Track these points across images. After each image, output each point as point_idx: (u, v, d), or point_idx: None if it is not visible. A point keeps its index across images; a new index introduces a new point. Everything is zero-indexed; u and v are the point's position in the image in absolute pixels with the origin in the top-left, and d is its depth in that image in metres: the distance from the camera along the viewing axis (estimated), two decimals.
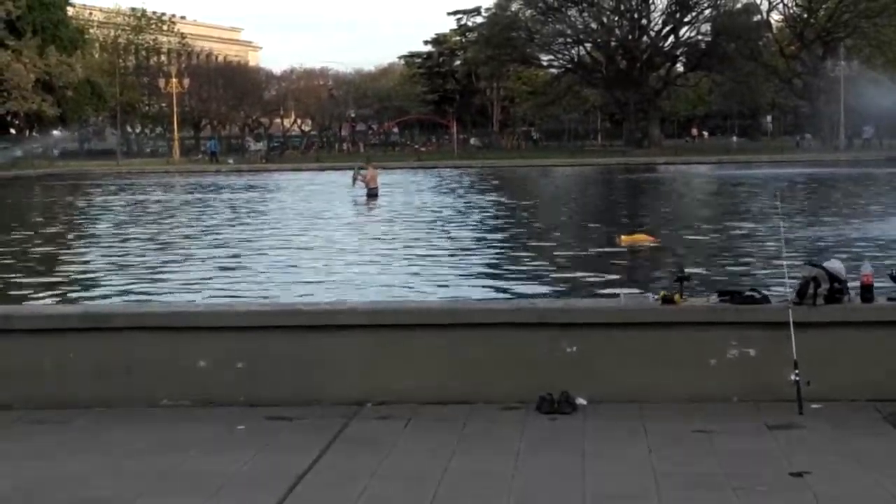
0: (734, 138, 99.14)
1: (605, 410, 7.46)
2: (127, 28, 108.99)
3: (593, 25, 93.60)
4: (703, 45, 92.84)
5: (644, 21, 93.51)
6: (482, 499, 5.85)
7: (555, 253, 21.16)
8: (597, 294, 14.40)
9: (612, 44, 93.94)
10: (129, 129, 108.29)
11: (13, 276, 18.75)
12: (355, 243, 23.39)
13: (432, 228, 26.94)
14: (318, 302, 10.79)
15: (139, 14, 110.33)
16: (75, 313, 8.89)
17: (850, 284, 7.90)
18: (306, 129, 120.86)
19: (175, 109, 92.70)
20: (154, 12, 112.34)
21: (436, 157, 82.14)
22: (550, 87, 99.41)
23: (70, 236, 27.66)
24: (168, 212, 36.07)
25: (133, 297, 15.56)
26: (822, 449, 6.61)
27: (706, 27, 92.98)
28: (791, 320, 7.52)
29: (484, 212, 32.91)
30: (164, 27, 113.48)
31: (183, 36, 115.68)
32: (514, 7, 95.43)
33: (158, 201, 42.02)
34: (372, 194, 37.71)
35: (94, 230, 29.50)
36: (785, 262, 8.65)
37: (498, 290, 16.02)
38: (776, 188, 38.15)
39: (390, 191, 41.82)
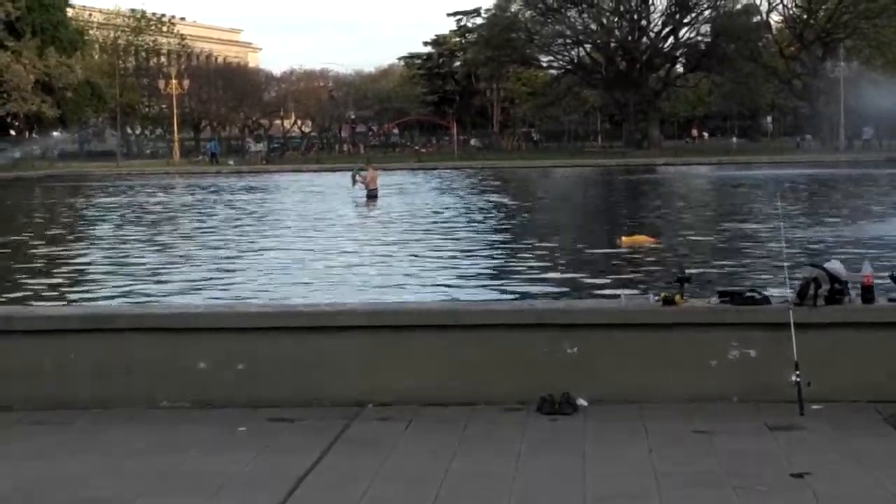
0: (734, 139, 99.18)
1: (605, 411, 7.46)
2: (127, 29, 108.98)
3: (593, 26, 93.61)
4: (702, 46, 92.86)
5: (644, 22, 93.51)
6: (483, 500, 5.85)
7: (555, 254, 21.17)
8: (597, 295, 14.40)
9: (612, 45, 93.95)
10: (128, 130, 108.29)
11: (13, 276, 18.75)
12: (355, 245, 23.39)
13: (432, 229, 26.94)
14: (318, 303, 10.78)
15: (139, 15, 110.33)
16: (76, 314, 8.90)
17: (850, 285, 7.90)
18: (306, 130, 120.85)
19: (175, 111, 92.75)
20: (154, 13, 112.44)
21: (436, 159, 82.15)
22: (550, 88, 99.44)
23: (70, 237, 27.65)
24: (168, 213, 36.08)
25: (133, 299, 15.56)
26: (823, 449, 6.61)
27: (706, 28, 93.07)
28: (792, 321, 7.52)
29: (484, 213, 32.92)
30: (164, 28, 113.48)
31: (183, 37, 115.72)
32: (513, 8, 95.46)
33: (159, 203, 42.02)
34: (372, 196, 37.72)
35: (94, 231, 29.50)
36: (785, 263, 8.64)
37: (498, 290, 16.02)
38: (776, 189, 38.16)
39: (390, 192, 41.83)
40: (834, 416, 7.27)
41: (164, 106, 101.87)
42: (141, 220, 32.55)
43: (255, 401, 7.83)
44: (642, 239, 22.14)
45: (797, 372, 7.34)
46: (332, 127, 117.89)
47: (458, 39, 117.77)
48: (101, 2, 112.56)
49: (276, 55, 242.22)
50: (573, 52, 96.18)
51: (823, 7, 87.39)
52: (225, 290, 16.54)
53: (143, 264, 20.29)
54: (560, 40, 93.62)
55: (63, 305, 14.46)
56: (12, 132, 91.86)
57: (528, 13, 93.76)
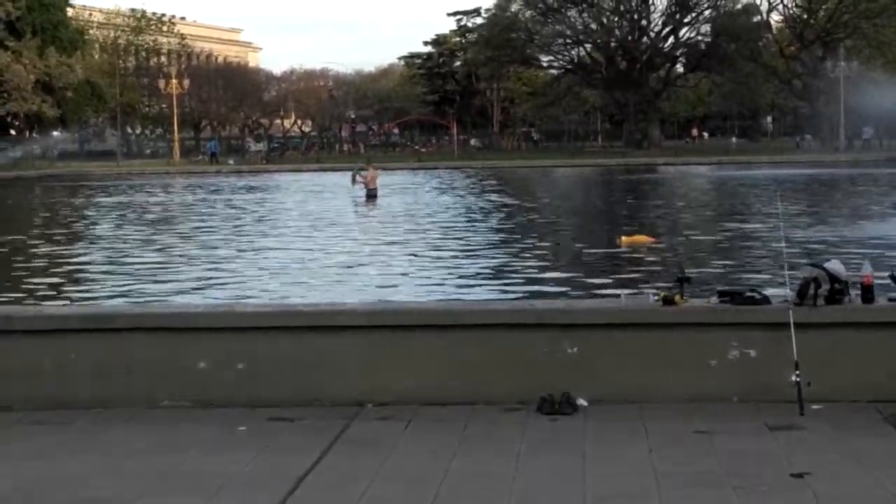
0: (733, 139, 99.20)
1: (605, 411, 7.46)
2: (127, 29, 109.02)
3: (593, 26, 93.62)
4: (702, 46, 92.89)
5: (644, 22, 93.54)
6: (483, 500, 5.85)
7: (555, 253, 21.17)
8: (597, 295, 14.40)
9: (612, 45, 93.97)
10: (129, 130, 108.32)
11: (13, 276, 18.75)
12: (354, 244, 23.39)
13: (432, 229, 26.94)
14: (318, 303, 10.78)
15: (139, 15, 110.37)
16: (76, 314, 8.90)
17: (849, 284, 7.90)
18: (306, 129, 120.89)
19: (175, 110, 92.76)
20: (154, 13, 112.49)
21: (436, 158, 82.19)
22: (550, 87, 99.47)
23: (70, 237, 27.65)
24: (168, 213, 36.09)
25: (133, 298, 15.55)
26: (823, 449, 6.61)
27: (706, 28, 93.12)
28: (791, 321, 7.51)
29: (484, 212, 32.92)
30: (164, 28, 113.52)
31: (183, 37, 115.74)
32: (513, 8, 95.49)
33: (158, 202, 42.02)
34: (371, 195, 37.73)
35: (94, 231, 29.51)
36: (785, 263, 8.64)
37: (498, 290, 16.02)
38: (776, 189, 38.15)
39: (390, 192, 41.84)
40: (834, 415, 7.27)
41: (164, 105, 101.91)
42: (141, 220, 32.56)
43: (254, 400, 7.83)
44: (642, 239, 22.14)
45: (797, 372, 7.34)
46: (332, 126, 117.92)
47: (458, 39, 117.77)
48: (102, 1, 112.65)
49: (276, 55, 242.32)
50: (573, 52, 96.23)
51: (824, 7, 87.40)
52: (224, 289, 16.53)
53: (143, 264, 20.28)
54: (560, 40, 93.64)
55: (63, 305, 14.46)
56: (12, 132, 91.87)
57: (528, 13, 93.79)
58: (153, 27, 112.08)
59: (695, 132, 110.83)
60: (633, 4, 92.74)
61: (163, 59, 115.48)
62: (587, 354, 7.82)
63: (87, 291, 16.99)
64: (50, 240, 26.24)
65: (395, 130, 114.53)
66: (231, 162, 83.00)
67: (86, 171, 73.58)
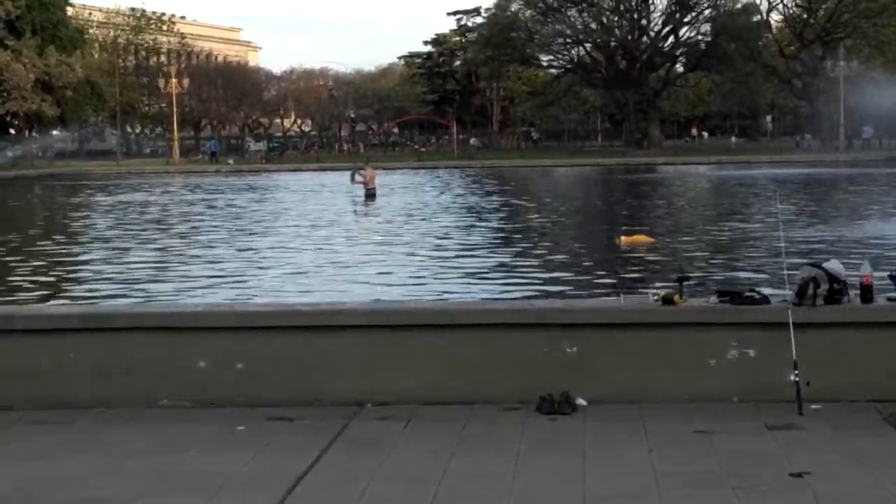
0: (733, 139, 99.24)
1: (605, 411, 7.46)
2: (126, 28, 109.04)
3: (593, 26, 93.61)
4: (702, 46, 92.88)
5: (644, 21, 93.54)
6: (483, 500, 5.85)
7: (554, 253, 21.17)
8: (597, 294, 14.40)
9: (612, 44, 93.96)
10: (128, 129, 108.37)
11: (13, 275, 18.75)
12: (353, 244, 23.40)
13: (431, 229, 26.94)
14: (317, 302, 10.78)
15: (139, 14, 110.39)
16: (75, 313, 8.90)
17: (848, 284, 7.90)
18: (306, 129, 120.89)
19: (175, 109, 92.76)
20: (154, 12, 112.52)
21: (436, 158, 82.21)
22: (550, 87, 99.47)
23: (69, 236, 27.65)
24: (167, 212, 36.08)
25: (133, 298, 15.55)
26: (822, 449, 6.61)
27: (706, 27, 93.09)
28: (791, 321, 7.52)
29: (484, 212, 32.92)
30: (164, 27, 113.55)
31: (182, 36, 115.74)
32: (513, 7, 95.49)
33: (158, 202, 42.02)
34: (370, 195, 37.76)
35: (94, 230, 29.49)
36: (784, 263, 8.65)
37: (498, 290, 16.02)
38: (775, 188, 38.15)
39: (390, 191, 41.84)
40: (833, 415, 7.27)
41: (163, 105, 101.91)
42: (140, 219, 32.56)
43: (254, 400, 7.83)
44: (642, 238, 22.14)
45: (796, 372, 7.35)
46: (331, 126, 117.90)
47: (458, 38, 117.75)
48: (101, 1, 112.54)
49: (276, 54, 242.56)
50: (573, 52, 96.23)
51: (823, 6, 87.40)
52: (224, 289, 16.54)
53: (143, 263, 20.29)
54: (560, 39, 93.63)
55: (63, 304, 14.46)
56: (12, 131, 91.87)
57: (528, 12, 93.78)
58: (153, 26, 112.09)
59: (694, 132, 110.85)
60: (633, 4, 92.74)
61: (162, 58, 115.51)
62: (587, 354, 7.82)
63: (86, 291, 16.98)
64: (49, 239, 26.23)
65: (395, 130, 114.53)
66: (231, 161, 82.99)
67: (85, 171, 73.59)
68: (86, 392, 7.92)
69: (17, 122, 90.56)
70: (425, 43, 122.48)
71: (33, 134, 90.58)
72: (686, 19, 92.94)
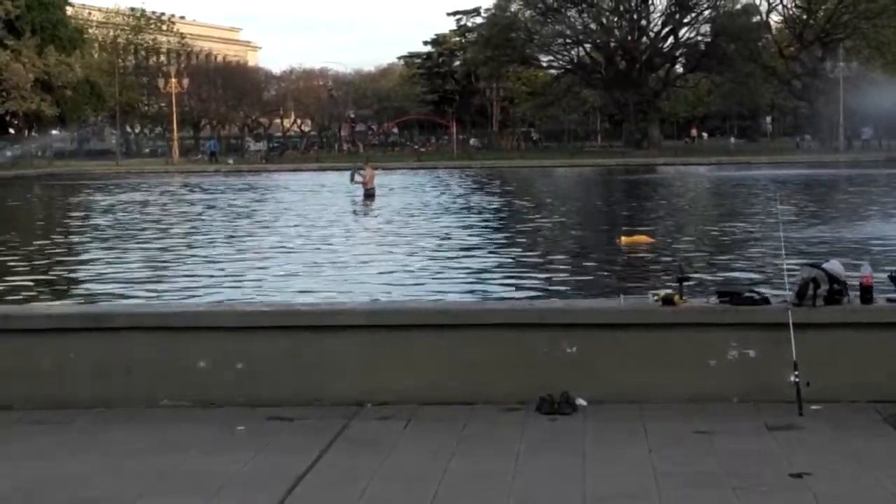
0: (733, 139, 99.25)
1: (605, 411, 7.46)
2: (126, 28, 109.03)
3: (593, 26, 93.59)
4: (702, 46, 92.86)
5: (643, 22, 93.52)
6: (482, 500, 5.85)
7: (555, 253, 21.17)
8: (597, 294, 14.40)
9: (612, 45, 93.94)
10: (128, 129, 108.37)
11: (13, 275, 18.74)
12: (353, 244, 23.40)
13: (430, 229, 26.94)
14: (317, 302, 10.79)
15: (138, 14, 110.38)
16: (75, 313, 8.90)
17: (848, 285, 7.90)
18: (306, 129, 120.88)
19: (174, 109, 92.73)
20: (153, 12, 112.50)
21: (435, 158, 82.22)
22: (550, 87, 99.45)
23: (69, 236, 27.64)
24: (167, 212, 36.08)
25: (133, 298, 15.55)
26: (823, 450, 6.61)
27: (705, 28, 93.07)
28: (791, 321, 7.52)
29: (483, 212, 32.92)
30: (164, 27, 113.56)
31: (182, 36, 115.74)
32: (513, 8, 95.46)
33: (158, 202, 42.02)
34: (369, 195, 37.78)
35: (94, 230, 29.48)
36: (784, 263, 8.65)
37: (498, 290, 16.02)
38: (775, 189, 38.16)
39: (390, 191, 41.84)
40: (833, 416, 7.27)
41: (163, 104, 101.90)
42: (140, 219, 32.55)
43: (254, 400, 7.83)
44: (642, 238, 22.15)
45: (796, 372, 7.35)
46: (331, 126, 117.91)
47: (457, 39, 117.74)
48: (101, 0, 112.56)
49: (275, 54, 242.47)
50: (573, 52, 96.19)
51: (823, 7, 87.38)
52: (224, 289, 16.53)
53: (143, 263, 20.29)
54: (560, 40, 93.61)
55: (62, 304, 14.45)
56: (11, 131, 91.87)
57: (527, 13, 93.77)
58: (152, 26, 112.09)
59: (694, 132, 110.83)
60: (633, 4, 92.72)
61: (162, 58, 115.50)
62: (587, 354, 7.82)
63: (86, 290, 16.98)
64: (48, 238, 26.23)
65: (395, 130, 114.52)
66: (230, 161, 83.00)
67: (85, 171, 73.59)
68: (86, 392, 7.92)
69: (16, 122, 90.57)
70: (425, 43, 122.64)
71: (32, 134, 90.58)
72: (686, 20, 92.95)
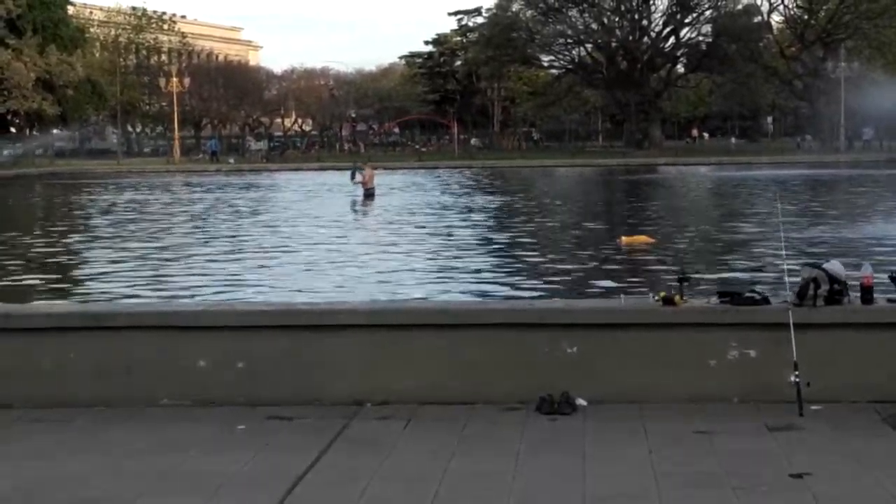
0: (734, 140, 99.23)
1: (605, 411, 7.46)
2: (127, 27, 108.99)
3: (594, 26, 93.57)
4: (703, 47, 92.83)
5: (645, 22, 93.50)
6: (482, 500, 5.84)
7: (555, 253, 21.17)
8: (597, 294, 14.39)
9: (613, 45, 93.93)
10: (129, 128, 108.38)
11: (13, 273, 18.75)
12: (353, 243, 23.40)
13: (430, 229, 26.94)
14: (318, 302, 10.78)
15: (140, 13, 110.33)
16: (75, 312, 8.88)
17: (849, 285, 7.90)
18: (307, 128, 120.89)
19: (175, 109, 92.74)
20: (154, 11, 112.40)
21: (436, 158, 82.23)
22: (551, 87, 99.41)
23: (70, 235, 27.63)
24: (168, 211, 36.09)
25: (134, 297, 15.54)
26: (823, 450, 6.61)
27: (707, 28, 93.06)
28: (791, 321, 7.51)
29: (484, 212, 32.91)
30: (165, 26, 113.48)
31: (183, 35, 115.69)
32: (514, 7, 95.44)
33: (158, 201, 42.02)
34: (369, 194, 37.79)
35: (94, 229, 29.49)
36: (785, 264, 8.64)
37: (498, 290, 16.01)
38: (776, 189, 38.14)
39: (390, 191, 41.83)
40: (833, 416, 7.27)
41: (164, 104, 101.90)
42: (141, 218, 32.56)
43: (254, 399, 7.82)
44: (642, 239, 22.15)
45: (796, 372, 7.34)
46: (332, 125, 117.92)
47: (459, 38, 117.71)
48: (102, 0, 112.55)
49: (276, 53, 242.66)
50: (574, 52, 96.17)
51: (824, 7, 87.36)
52: (224, 288, 16.53)
53: (144, 262, 20.29)
54: (561, 40, 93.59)
55: (63, 303, 14.45)
56: (13, 130, 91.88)
57: (529, 13, 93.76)
58: (154, 25, 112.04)
59: (695, 132, 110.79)
60: (634, 4, 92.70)
61: (163, 57, 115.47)
62: (587, 354, 7.82)
63: (87, 290, 16.98)
64: (49, 237, 26.23)
65: (396, 130, 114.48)
66: (231, 161, 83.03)
67: (86, 170, 73.59)
68: (86, 391, 7.92)
69: (17, 121, 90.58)
70: (426, 43, 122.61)
71: (34, 133, 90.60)
72: (687, 20, 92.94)
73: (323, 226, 28.22)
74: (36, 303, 14.29)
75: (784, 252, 9.47)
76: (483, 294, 15.49)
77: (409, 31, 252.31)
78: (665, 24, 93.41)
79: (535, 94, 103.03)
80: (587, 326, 7.88)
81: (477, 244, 23.15)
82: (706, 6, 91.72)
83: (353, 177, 41.32)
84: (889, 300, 7.94)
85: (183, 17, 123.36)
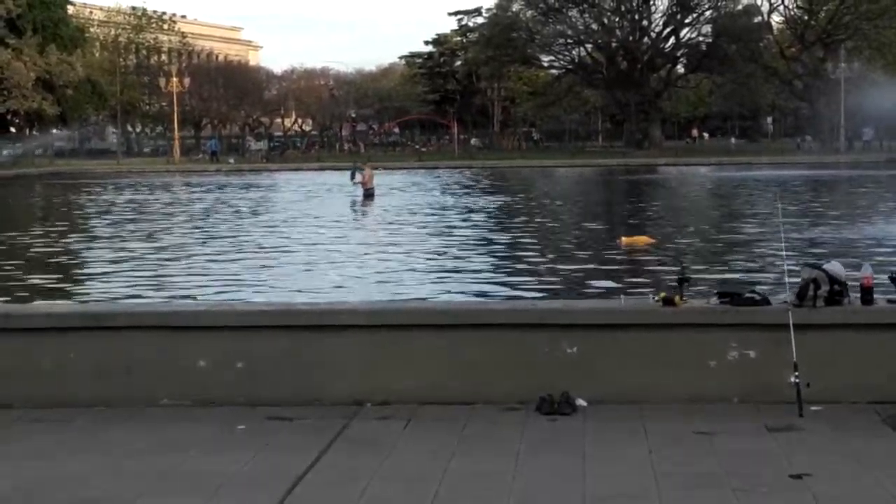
0: (733, 140, 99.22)
1: (605, 411, 7.46)
2: (127, 27, 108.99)
3: (594, 26, 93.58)
4: (703, 47, 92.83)
5: (645, 22, 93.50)
6: (482, 500, 5.85)
7: (555, 253, 21.16)
8: (597, 295, 14.39)
9: (613, 45, 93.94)
10: (129, 128, 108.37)
11: (13, 273, 18.74)
12: (352, 243, 23.40)
13: (430, 229, 26.94)
14: (318, 302, 10.79)
15: (140, 13, 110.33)
16: (75, 312, 8.89)
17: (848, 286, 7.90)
18: (307, 128, 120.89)
19: (175, 109, 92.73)
20: (154, 11, 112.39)
21: (436, 158, 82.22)
22: (551, 87, 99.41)
23: (70, 235, 27.63)
24: (168, 211, 36.09)
25: (134, 297, 15.54)
26: (822, 450, 6.61)
27: (707, 28, 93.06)
28: (791, 322, 7.52)
29: (484, 212, 32.91)
30: (165, 26, 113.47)
31: (183, 35, 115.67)
32: (514, 8, 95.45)
33: (158, 201, 42.02)
34: (368, 195, 37.79)
35: (94, 229, 29.49)
36: (785, 264, 8.64)
37: (498, 290, 16.01)
38: (776, 190, 38.14)
39: (390, 191, 41.83)
40: (833, 417, 7.27)
41: (164, 104, 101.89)
42: (140, 218, 32.55)
43: (254, 399, 7.82)
44: (642, 239, 22.15)
45: (796, 373, 7.34)
46: (332, 125, 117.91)
47: (459, 39, 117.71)
48: None
49: (276, 53, 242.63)
50: (574, 52, 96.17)
51: (824, 8, 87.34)
52: (224, 288, 16.53)
53: (144, 262, 20.29)
54: (561, 40, 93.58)
55: (63, 303, 14.45)
56: (13, 129, 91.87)
57: (529, 13, 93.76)
58: (154, 25, 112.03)
59: (695, 133, 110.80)
60: (634, 5, 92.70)
61: (163, 57, 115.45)
62: (587, 354, 7.82)
63: (87, 290, 16.98)
64: (49, 237, 26.23)
65: (396, 130, 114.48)
66: (231, 160, 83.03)
67: (86, 170, 73.59)
68: (86, 391, 7.92)
69: (17, 121, 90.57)
70: (426, 43, 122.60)
71: (34, 132, 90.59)
72: (687, 20, 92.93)
73: (323, 226, 28.22)
74: (36, 303, 14.28)
75: (784, 252, 9.48)
76: (483, 294, 15.49)
77: (409, 31, 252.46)
78: (665, 25, 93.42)
79: (535, 94, 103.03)
80: (587, 327, 7.88)
81: (477, 244, 23.14)
82: (706, 6, 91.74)
83: (352, 177, 41.33)
84: (889, 301, 7.94)
85: (183, 17, 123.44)
